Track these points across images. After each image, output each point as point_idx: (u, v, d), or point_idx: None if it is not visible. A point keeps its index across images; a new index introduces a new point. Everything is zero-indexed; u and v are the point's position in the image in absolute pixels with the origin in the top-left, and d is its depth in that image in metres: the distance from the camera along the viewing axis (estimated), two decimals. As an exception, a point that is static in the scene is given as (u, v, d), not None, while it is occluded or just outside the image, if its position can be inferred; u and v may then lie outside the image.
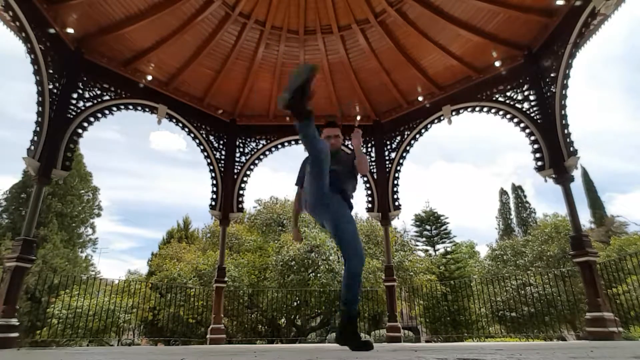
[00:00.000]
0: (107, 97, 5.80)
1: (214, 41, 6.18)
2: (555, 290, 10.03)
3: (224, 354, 2.48)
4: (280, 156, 58.64)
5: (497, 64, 6.06)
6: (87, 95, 5.58)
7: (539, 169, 5.47)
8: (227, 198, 6.99)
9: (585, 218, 26.63)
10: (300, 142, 7.26)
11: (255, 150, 7.36)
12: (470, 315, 13.12)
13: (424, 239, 22.56)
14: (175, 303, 9.88)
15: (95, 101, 5.65)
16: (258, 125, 7.46)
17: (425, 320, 13.91)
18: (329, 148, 2.60)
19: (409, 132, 7.05)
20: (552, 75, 5.33)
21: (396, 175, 7.07)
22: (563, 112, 5.22)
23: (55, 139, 5.07)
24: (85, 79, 5.61)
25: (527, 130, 5.70)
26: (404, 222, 25.62)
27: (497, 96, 6.10)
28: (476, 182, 67.95)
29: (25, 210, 10.67)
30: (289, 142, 7.42)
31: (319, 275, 11.01)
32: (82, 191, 17.62)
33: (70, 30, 5.31)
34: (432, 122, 6.85)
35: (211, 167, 7.03)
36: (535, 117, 5.64)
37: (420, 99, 6.93)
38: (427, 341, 13.76)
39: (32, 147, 4.84)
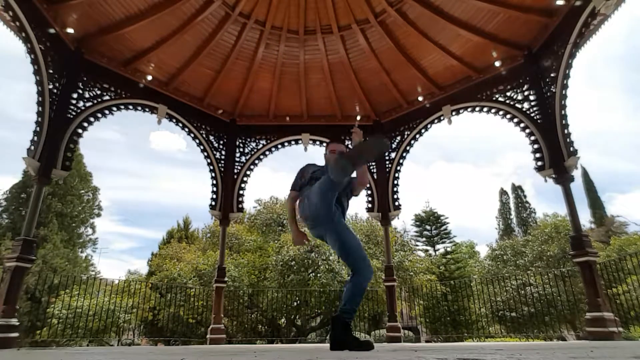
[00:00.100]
0: (107, 97, 5.80)
1: (214, 41, 6.18)
2: (555, 290, 10.03)
3: (224, 354, 2.48)
4: (280, 156, 58.56)
5: (497, 64, 6.06)
6: (87, 95, 5.58)
7: (539, 169, 5.47)
8: (227, 198, 6.99)
9: (585, 218, 26.65)
10: (304, 145, 7.29)
11: (255, 150, 7.36)
12: (470, 315, 13.12)
13: (424, 239, 22.59)
14: (175, 303, 9.89)
15: (95, 101, 5.65)
16: (258, 125, 7.46)
17: (425, 320, 13.91)
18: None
19: (409, 132, 7.05)
20: (552, 75, 5.33)
21: (396, 175, 7.08)
22: (563, 112, 5.23)
23: (55, 139, 5.07)
24: (85, 79, 5.61)
25: (527, 130, 5.70)
26: (404, 222, 25.68)
27: (497, 96, 6.10)
28: (476, 182, 67.94)
29: (25, 210, 10.66)
30: (289, 142, 7.43)
31: (319, 275, 11.02)
32: (82, 191, 17.63)
33: (70, 30, 5.32)
34: (432, 122, 6.85)
35: (211, 167, 7.04)
36: (535, 117, 5.64)
37: (420, 99, 6.93)
38: (427, 341, 13.75)
39: (32, 147, 4.85)
